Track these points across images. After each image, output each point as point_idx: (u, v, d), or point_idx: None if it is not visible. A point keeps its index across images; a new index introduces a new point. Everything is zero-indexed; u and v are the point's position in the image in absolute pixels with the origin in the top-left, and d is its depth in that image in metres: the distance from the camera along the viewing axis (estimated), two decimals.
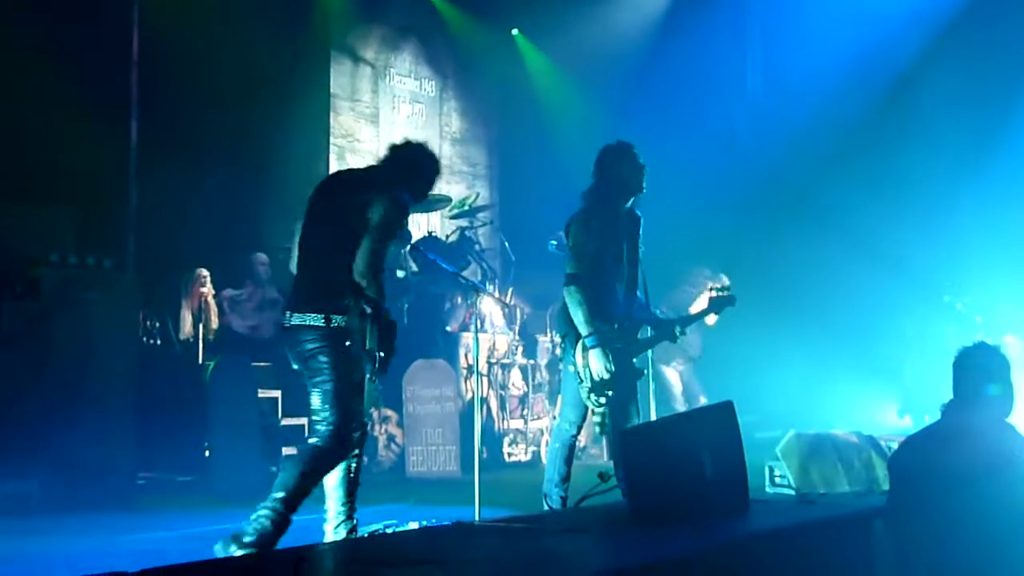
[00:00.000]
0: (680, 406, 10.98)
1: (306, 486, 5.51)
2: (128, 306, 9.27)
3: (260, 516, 5.38)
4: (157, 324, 9.99)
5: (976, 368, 4.57)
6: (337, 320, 5.59)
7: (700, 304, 10.46)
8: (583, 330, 6.46)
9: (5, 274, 8.72)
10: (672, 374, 11.33)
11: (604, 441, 7.10)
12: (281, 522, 5.38)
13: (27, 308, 8.65)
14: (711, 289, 8.01)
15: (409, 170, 6.12)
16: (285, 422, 9.94)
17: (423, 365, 10.86)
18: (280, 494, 5.42)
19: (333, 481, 5.75)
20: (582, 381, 6.53)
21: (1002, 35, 11.21)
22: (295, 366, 5.78)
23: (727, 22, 13.96)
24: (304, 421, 9.45)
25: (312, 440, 5.62)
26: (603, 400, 6.47)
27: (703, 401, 11.11)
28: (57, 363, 8.69)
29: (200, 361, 10.05)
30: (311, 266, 5.84)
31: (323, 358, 5.59)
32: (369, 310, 5.70)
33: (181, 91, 10.67)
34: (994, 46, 11.27)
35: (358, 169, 6.78)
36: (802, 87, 12.19)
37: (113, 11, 10.85)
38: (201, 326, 10.17)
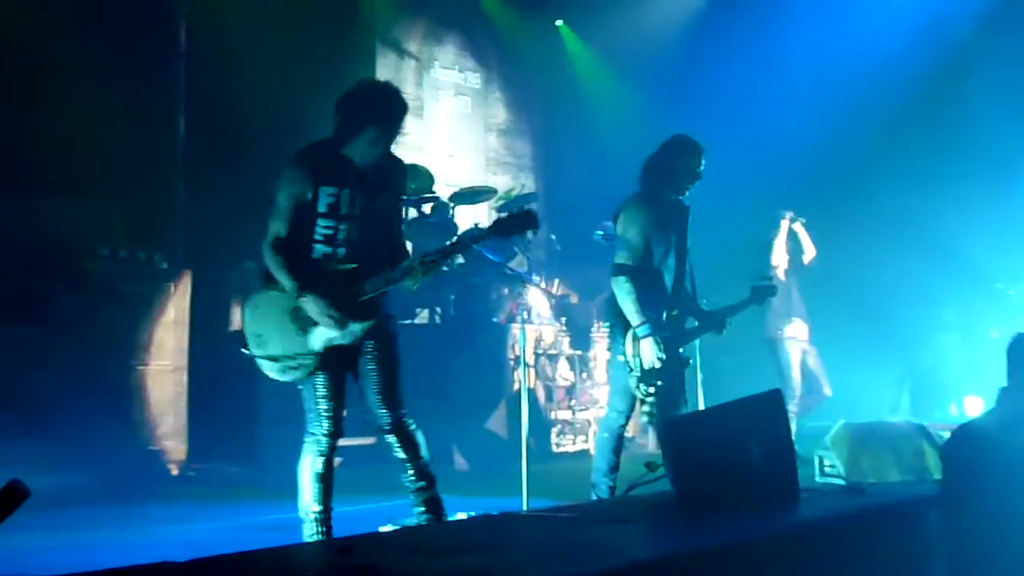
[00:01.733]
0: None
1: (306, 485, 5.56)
2: (177, 300, 9.33)
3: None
4: (206, 318, 10.05)
5: None
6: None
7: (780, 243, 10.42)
8: (634, 320, 6.43)
9: (57, 268, 8.80)
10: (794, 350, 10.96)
11: (651, 431, 7.06)
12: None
13: (78, 301, 8.72)
14: (757, 281, 7.95)
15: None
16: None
17: (471, 356, 10.87)
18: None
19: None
20: (631, 370, 6.50)
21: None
22: None
23: (771, 13, 13.86)
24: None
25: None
26: (652, 389, 6.44)
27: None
28: (108, 356, 8.77)
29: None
30: None
31: None
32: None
33: (228, 86, 10.71)
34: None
35: None
36: (844, 77, 12.09)
37: (160, 7, 10.92)
38: None
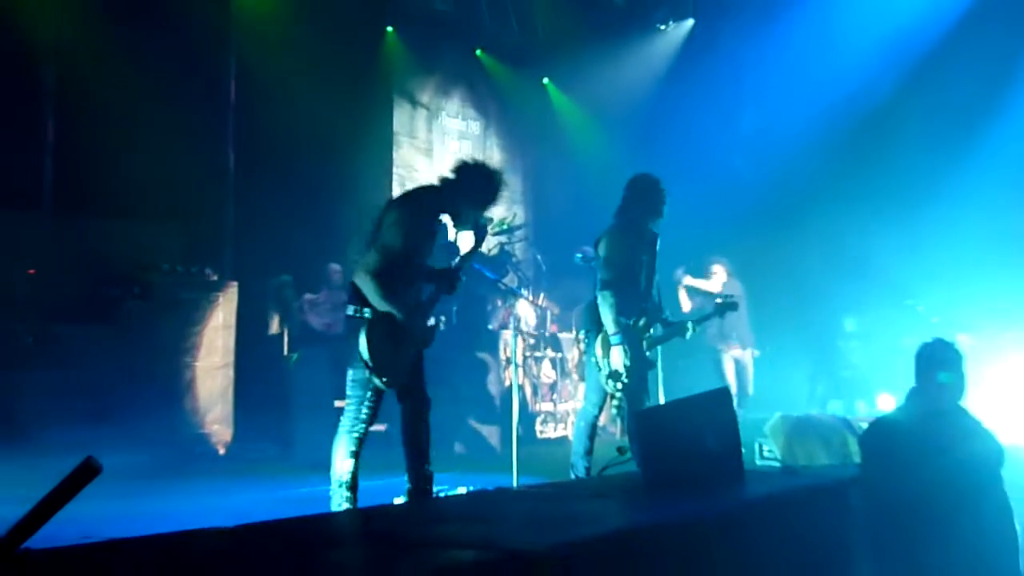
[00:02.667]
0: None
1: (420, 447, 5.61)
2: (226, 307, 9.33)
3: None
4: (250, 322, 10.04)
5: (933, 360, 4.54)
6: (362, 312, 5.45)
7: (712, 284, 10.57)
8: (611, 328, 6.44)
9: (125, 279, 8.80)
10: (728, 361, 11.20)
11: (619, 421, 7.05)
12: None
13: (144, 308, 8.72)
14: (718, 297, 7.97)
15: (449, 187, 5.78)
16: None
17: (469, 358, 10.86)
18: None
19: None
20: (600, 370, 6.51)
21: (957, 77, 11.12)
22: None
23: (723, 71, 13.91)
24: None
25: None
26: (619, 386, 6.45)
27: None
28: (166, 353, 8.77)
29: (284, 353, 10.08)
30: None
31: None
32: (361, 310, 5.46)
33: (270, 128, 10.72)
34: (951, 84, 11.18)
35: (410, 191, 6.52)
36: (789, 124, 12.12)
37: (214, 62, 10.96)
38: (285, 324, 10.23)
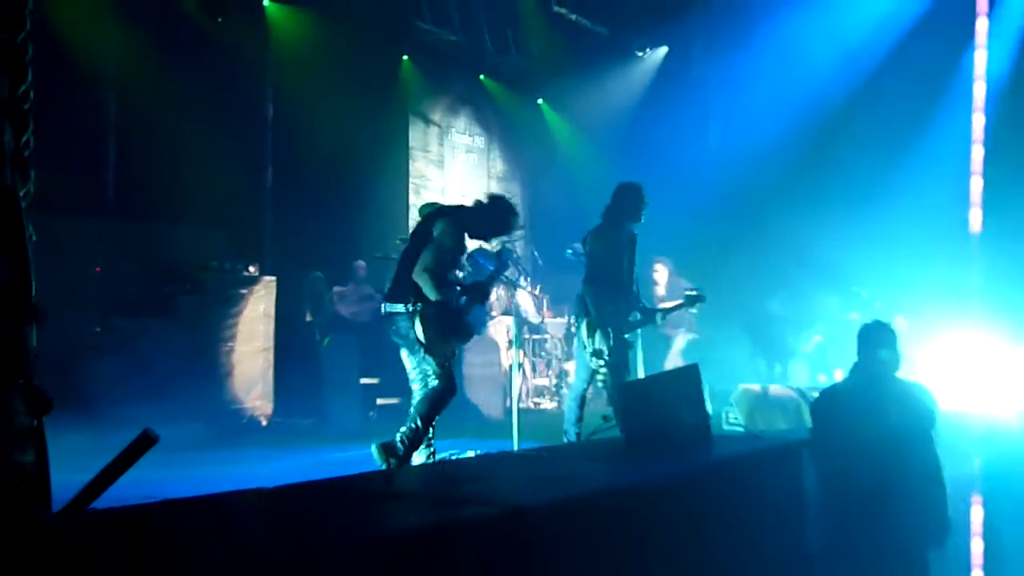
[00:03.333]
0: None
1: (430, 419, 5.57)
2: (266, 300, 9.33)
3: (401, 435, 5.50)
4: (287, 313, 10.05)
5: (873, 338, 4.55)
6: (413, 308, 5.58)
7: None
8: (594, 312, 6.46)
9: (179, 277, 8.80)
10: (678, 342, 11.21)
11: (605, 394, 7.06)
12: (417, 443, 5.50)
13: (195, 301, 8.73)
14: (687, 289, 7.95)
15: (481, 212, 6.06)
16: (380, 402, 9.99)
17: (476, 340, 10.87)
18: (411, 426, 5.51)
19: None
20: (586, 348, 6.52)
21: (898, 90, 11.12)
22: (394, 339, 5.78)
23: (693, 92, 13.94)
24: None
25: (428, 388, 5.61)
26: (601, 363, 6.45)
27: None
28: (215, 340, 8.77)
29: (317, 338, 10.09)
30: (399, 271, 5.81)
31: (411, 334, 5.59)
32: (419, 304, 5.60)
33: (303, 145, 10.74)
34: (893, 100, 11.17)
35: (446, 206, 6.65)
36: (750, 137, 12.12)
37: (254, 88, 10.97)
38: (318, 313, 10.25)
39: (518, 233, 12.24)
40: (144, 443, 1.65)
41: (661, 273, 11.03)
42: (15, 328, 1.38)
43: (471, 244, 11.21)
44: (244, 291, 9.08)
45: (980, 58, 6.13)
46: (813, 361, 11.26)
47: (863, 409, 4.36)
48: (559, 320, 12.07)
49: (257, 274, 9.34)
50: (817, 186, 11.74)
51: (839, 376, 9.71)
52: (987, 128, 6.01)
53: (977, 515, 5.56)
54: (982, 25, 6.27)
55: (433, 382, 5.60)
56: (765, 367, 11.47)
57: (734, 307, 11.43)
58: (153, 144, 9.47)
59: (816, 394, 4.88)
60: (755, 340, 11.68)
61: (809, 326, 11.24)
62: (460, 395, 10.35)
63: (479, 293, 6.00)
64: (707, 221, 11.85)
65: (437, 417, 5.64)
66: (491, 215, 5.99)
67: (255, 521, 2.23)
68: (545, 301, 12.15)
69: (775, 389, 8.46)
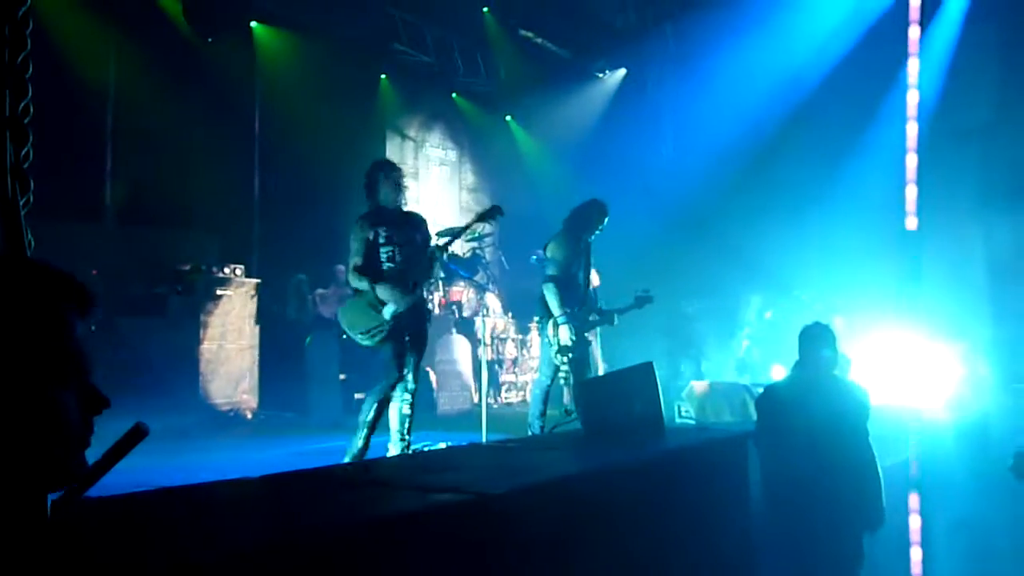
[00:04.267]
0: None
1: (379, 413, 5.58)
2: (252, 300, 9.27)
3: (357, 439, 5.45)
4: (271, 313, 9.98)
5: (814, 338, 4.59)
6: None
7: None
8: (556, 312, 6.46)
9: (172, 279, 8.72)
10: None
11: (566, 389, 7.08)
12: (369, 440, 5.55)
13: (186, 301, 8.64)
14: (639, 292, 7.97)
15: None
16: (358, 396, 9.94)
17: (447, 339, 10.86)
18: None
19: (395, 414, 5.72)
20: (552, 346, 6.52)
21: (834, 106, 11.25)
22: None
23: (648, 110, 14.03)
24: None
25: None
26: (566, 359, 6.46)
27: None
28: (203, 338, 8.70)
29: (300, 336, 10.03)
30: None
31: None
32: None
33: (288, 157, 10.70)
34: (834, 113, 11.29)
35: None
36: (699, 152, 12.22)
37: (243, 103, 10.90)
38: (301, 313, 10.17)
39: (487, 240, 12.31)
40: (136, 435, 1.63)
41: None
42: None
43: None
44: (232, 292, 9.01)
45: (913, 66, 6.19)
46: (743, 363, 11.34)
47: (803, 403, 4.40)
48: (524, 321, 12.10)
49: (244, 276, 9.27)
50: (761, 195, 11.85)
51: (776, 373, 9.85)
52: (920, 136, 6.09)
53: (912, 499, 5.64)
54: (914, 33, 6.32)
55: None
56: (686, 365, 11.51)
57: (656, 308, 11.51)
58: (148, 154, 9.40)
59: (761, 390, 4.92)
60: (671, 339, 11.74)
61: (735, 329, 11.32)
62: (432, 391, 10.39)
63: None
64: (658, 227, 11.93)
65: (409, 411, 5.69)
66: (368, 180, 6.03)
67: (241, 508, 2.22)
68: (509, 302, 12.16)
69: (723, 384, 8.51)
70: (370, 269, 5.68)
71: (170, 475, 5.43)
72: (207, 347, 8.68)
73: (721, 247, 11.81)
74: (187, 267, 8.77)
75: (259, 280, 9.48)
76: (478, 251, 12.09)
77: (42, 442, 1.29)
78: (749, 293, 11.55)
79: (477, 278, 11.20)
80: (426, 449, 6.13)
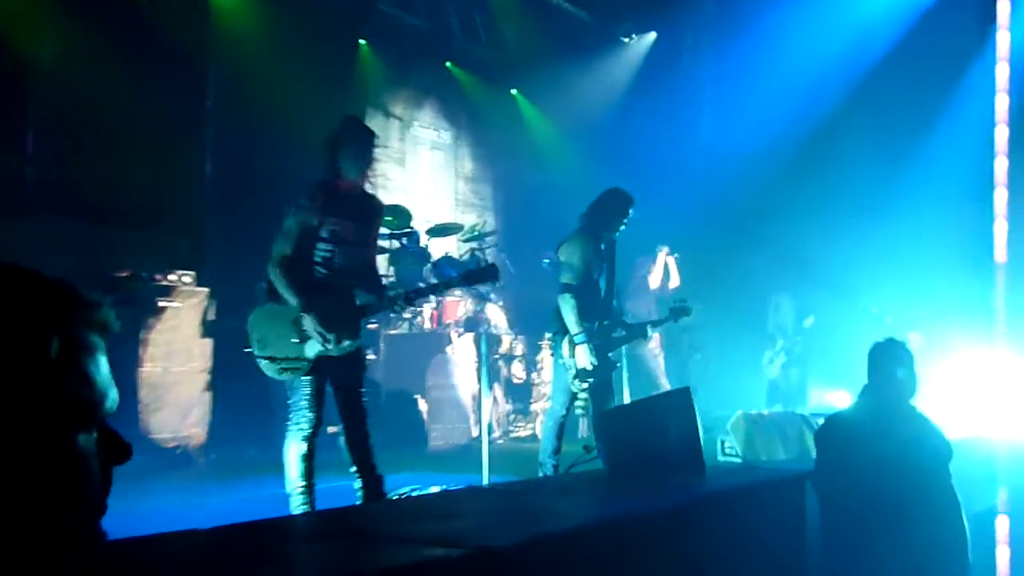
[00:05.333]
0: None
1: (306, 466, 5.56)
2: (204, 313, 9.27)
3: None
4: (227, 328, 9.97)
5: (887, 358, 4.58)
6: None
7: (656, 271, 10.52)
8: (573, 329, 6.46)
9: (105, 286, 8.72)
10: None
11: (583, 421, 7.09)
12: None
13: (123, 315, 8.63)
14: (674, 303, 7.99)
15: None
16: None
17: (440, 360, 10.85)
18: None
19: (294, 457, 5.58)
20: (568, 369, 6.53)
21: (903, 86, 11.24)
22: None
23: (683, 83, 14.01)
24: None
25: None
26: (584, 385, 6.47)
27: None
28: (146, 359, 8.70)
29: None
30: None
31: None
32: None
33: (247, 138, 10.70)
34: (897, 94, 11.29)
35: None
36: (744, 134, 12.21)
37: (193, 73, 10.90)
38: None
39: (488, 240, 12.32)
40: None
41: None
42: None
43: (436, 253, 11.26)
44: (179, 303, 9.01)
45: (1003, 40, 6.17)
46: (775, 387, 11.32)
47: (873, 437, 4.39)
48: (534, 338, 12.10)
49: (194, 284, 9.26)
50: (817, 190, 11.86)
51: (840, 399, 9.83)
52: (1011, 112, 6.06)
53: (1003, 555, 5.59)
54: (1004, 6, 6.31)
55: None
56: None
57: (737, 322, 11.50)
58: (77, 136, 9.40)
59: (821, 421, 4.91)
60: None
61: (769, 340, 11.31)
62: (423, 423, 10.38)
63: None
64: (698, 225, 11.93)
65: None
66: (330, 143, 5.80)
67: (187, 568, 2.21)
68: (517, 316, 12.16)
69: (776, 414, 8.50)
70: (297, 270, 5.38)
71: (103, 526, 5.42)
72: (149, 370, 8.68)
73: (770, 248, 11.81)
74: (124, 273, 8.77)
75: (212, 289, 9.47)
76: (477, 253, 12.09)
77: (55, 507, 1.15)
78: (775, 294, 11.55)
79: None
80: (414, 494, 6.11)
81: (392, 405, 10.18)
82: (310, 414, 5.41)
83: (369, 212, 5.63)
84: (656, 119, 13.39)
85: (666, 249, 11.15)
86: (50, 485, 1.14)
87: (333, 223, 5.41)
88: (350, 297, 5.40)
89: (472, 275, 5.65)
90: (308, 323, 5.29)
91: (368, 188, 5.76)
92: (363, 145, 5.60)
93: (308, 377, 5.40)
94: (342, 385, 5.48)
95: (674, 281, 11.08)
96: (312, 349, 5.34)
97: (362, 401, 5.51)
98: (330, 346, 5.29)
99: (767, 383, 11.49)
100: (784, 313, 11.54)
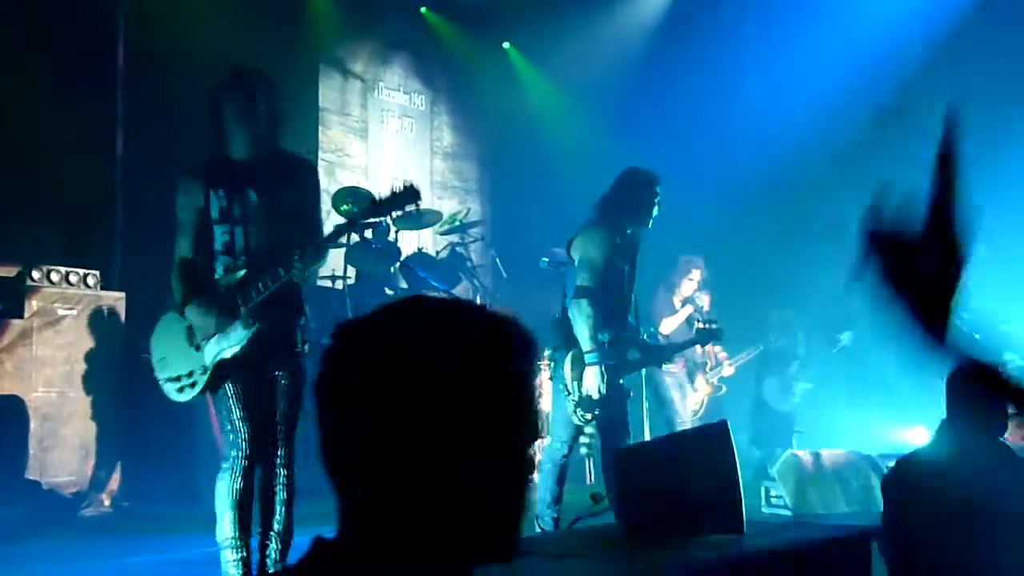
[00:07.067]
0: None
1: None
2: (114, 324, 9.25)
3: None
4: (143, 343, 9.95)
5: (972, 387, 4.57)
6: None
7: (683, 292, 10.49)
8: (586, 345, 6.38)
9: None
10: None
11: (589, 462, 7.09)
12: None
13: (11, 327, 8.63)
14: (699, 322, 8.01)
15: None
16: None
17: None
18: None
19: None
20: (569, 394, 6.47)
21: (989, 59, 11.28)
22: None
23: (724, 30, 13.93)
24: None
25: None
26: (588, 416, 6.43)
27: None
28: (40, 382, 8.67)
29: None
30: None
31: None
32: None
33: (167, 107, 10.67)
34: (982, 68, 11.32)
35: None
36: (797, 102, 12.20)
37: (99, 26, 10.87)
38: None
39: (473, 233, 12.34)
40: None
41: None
42: None
43: (406, 248, 11.27)
44: (81, 311, 9.01)
45: None
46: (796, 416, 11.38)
47: (958, 486, 4.38)
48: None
49: (100, 288, 9.26)
50: (883, 171, 11.86)
51: (917, 436, 9.84)
52: None
53: None
54: None
55: None
56: None
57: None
58: None
59: (891, 464, 4.91)
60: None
61: (788, 362, 11.36)
62: None
63: None
64: (735, 214, 11.95)
65: None
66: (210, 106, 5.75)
67: None
68: None
69: (833, 456, 8.52)
70: (195, 265, 5.36)
71: None
72: (41, 396, 8.67)
73: (829, 244, 11.82)
74: (12, 273, 8.77)
75: (123, 293, 9.47)
76: (459, 248, 12.10)
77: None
78: (774, 309, 11.61)
79: (458, 290, 11.20)
80: None
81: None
82: (240, 439, 5.25)
83: (274, 175, 5.47)
84: (687, 82, 13.35)
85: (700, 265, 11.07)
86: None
87: (221, 192, 5.36)
88: (247, 283, 5.23)
89: (387, 201, 5.35)
90: (192, 315, 5.26)
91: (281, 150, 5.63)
92: (243, 96, 5.70)
93: (222, 391, 5.27)
94: (279, 389, 5.39)
95: (703, 300, 11.08)
96: (208, 353, 5.25)
97: (297, 402, 5.42)
98: (225, 344, 5.20)
99: (778, 416, 11.51)
100: (795, 331, 11.58)
